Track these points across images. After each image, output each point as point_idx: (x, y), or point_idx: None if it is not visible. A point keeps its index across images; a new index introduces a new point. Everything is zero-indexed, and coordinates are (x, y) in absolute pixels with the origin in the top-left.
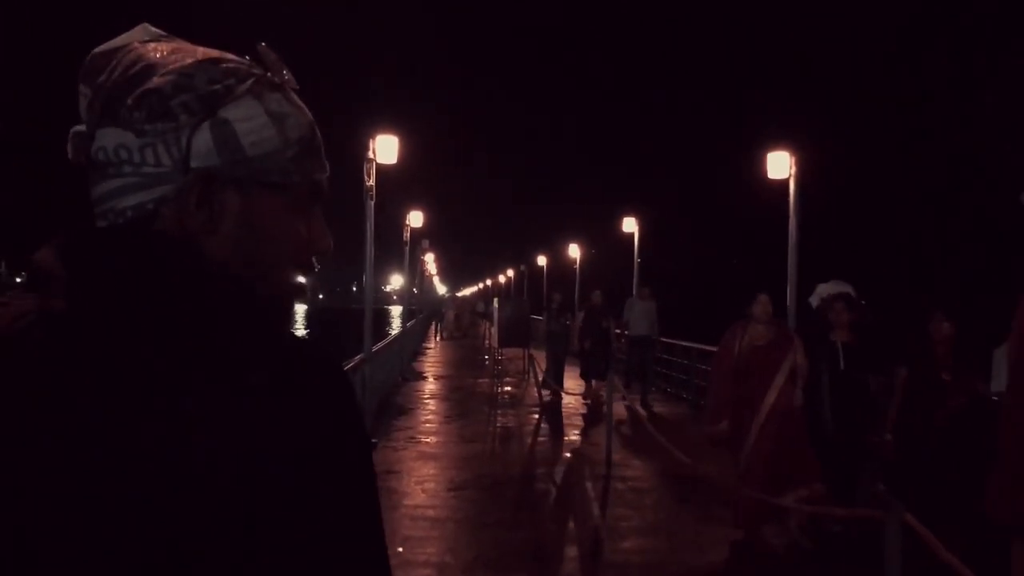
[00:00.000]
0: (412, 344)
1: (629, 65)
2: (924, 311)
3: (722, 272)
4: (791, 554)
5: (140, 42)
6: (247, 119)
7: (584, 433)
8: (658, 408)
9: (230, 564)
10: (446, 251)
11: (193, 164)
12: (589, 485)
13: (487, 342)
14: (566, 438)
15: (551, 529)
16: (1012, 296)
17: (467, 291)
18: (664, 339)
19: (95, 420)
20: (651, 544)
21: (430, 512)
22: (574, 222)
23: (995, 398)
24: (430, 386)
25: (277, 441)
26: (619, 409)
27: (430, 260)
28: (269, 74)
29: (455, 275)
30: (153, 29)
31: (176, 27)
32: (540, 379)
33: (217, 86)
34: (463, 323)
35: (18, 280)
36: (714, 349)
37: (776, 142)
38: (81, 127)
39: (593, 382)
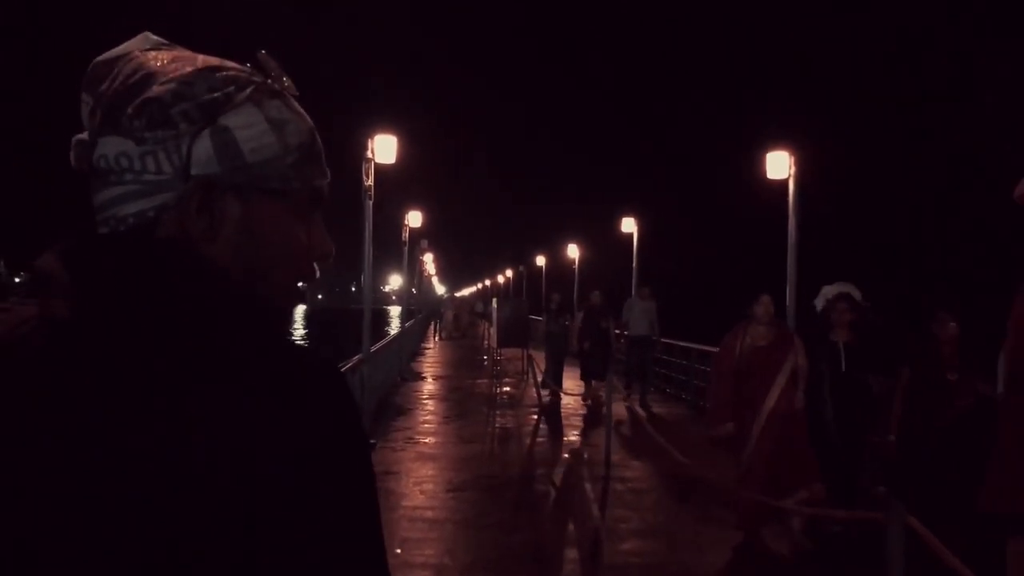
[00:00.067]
0: (411, 344)
1: (629, 65)
2: (926, 311)
3: (722, 272)
4: (792, 555)
5: (141, 50)
6: (247, 126)
7: (583, 434)
8: (657, 409)
9: (230, 564)
10: (445, 251)
11: (193, 171)
12: (588, 486)
13: (486, 342)
14: (565, 439)
15: (550, 530)
16: (1012, 296)
17: (466, 291)
18: (664, 339)
19: (95, 420)
20: (651, 545)
21: (428, 513)
22: (573, 222)
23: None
24: (429, 386)
25: (276, 442)
26: (618, 410)
27: (429, 260)
28: (269, 81)
29: (454, 275)
30: (154, 37)
31: (176, 27)
32: (539, 380)
33: (217, 94)
34: (462, 323)
35: (17, 280)
36: (714, 349)
37: (776, 142)
38: (83, 135)
39: (592, 383)
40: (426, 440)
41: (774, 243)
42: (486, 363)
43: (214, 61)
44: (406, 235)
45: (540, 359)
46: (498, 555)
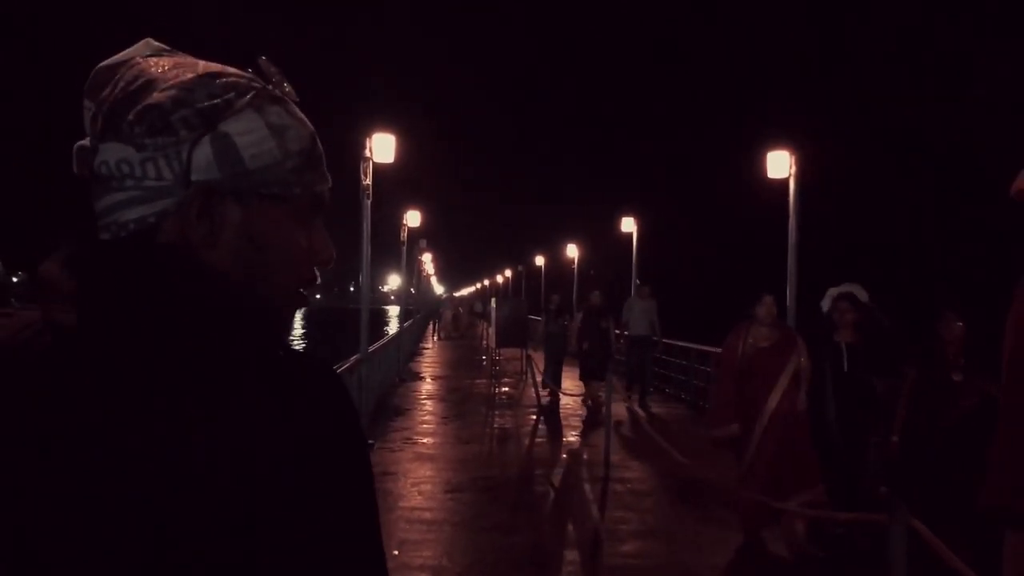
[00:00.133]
0: (409, 344)
1: (629, 64)
2: (931, 311)
3: (722, 272)
4: (793, 557)
5: (142, 57)
6: (247, 132)
7: (582, 434)
8: (657, 409)
9: (230, 564)
10: (444, 251)
11: (194, 178)
12: (587, 487)
13: (485, 342)
14: (564, 439)
15: (549, 532)
16: (1011, 296)
17: (465, 291)
18: (664, 339)
19: (95, 421)
20: (650, 546)
21: (427, 515)
22: (572, 222)
23: None
24: (427, 387)
25: (276, 442)
26: (618, 410)
27: (427, 260)
28: (270, 87)
29: (453, 275)
30: (155, 43)
31: (177, 26)
32: (538, 380)
33: (217, 100)
34: (461, 323)
35: (15, 280)
36: (713, 349)
37: (776, 142)
38: (85, 141)
39: (592, 383)
40: (424, 441)
41: (774, 243)
42: (485, 363)
43: (215, 67)
44: (404, 235)
45: (539, 359)
46: (497, 557)
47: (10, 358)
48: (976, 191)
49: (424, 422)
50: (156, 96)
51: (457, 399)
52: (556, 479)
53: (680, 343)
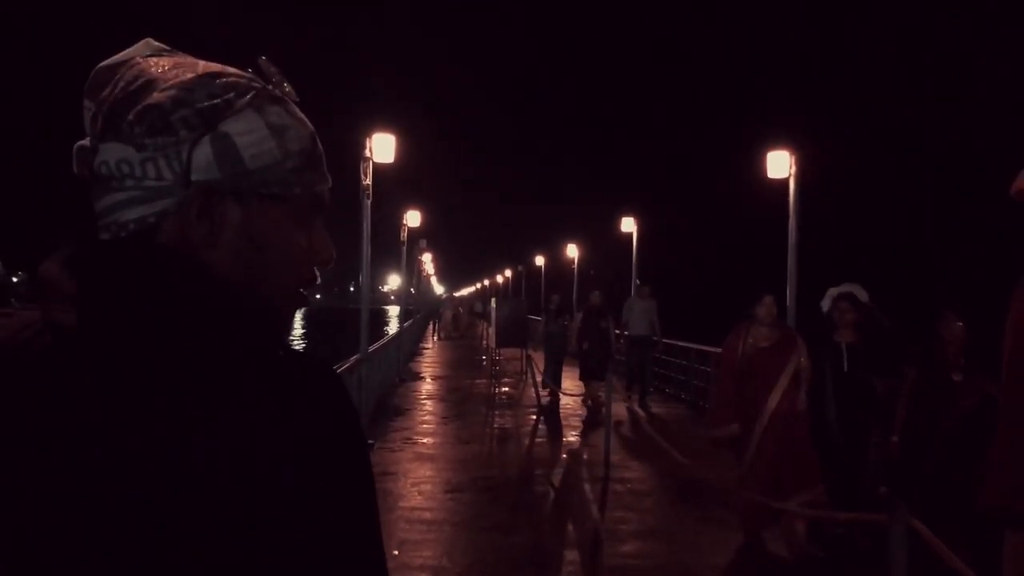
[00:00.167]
0: (409, 344)
1: (629, 64)
2: (930, 311)
3: (722, 272)
4: (793, 557)
5: (142, 57)
6: (247, 132)
7: (582, 434)
8: (656, 409)
9: (230, 564)
10: (444, 251)
11: (194, 178)
12: (587, 487)
13: (485, 342)
14: (564, 439)
15: (549, 532)
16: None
17: (465, 291)
18: (664, 339)
19: (95, 421)
20: (650, 547)
21: (426, 515)
22: (572, 222)
23: None
24: (427, 387)
25: (276, 442)
26: (618, 410)
27: (427, 260)
28: (270, 87)
29: (453, 275)
30: (155, 43)
31: (177, 26)
32: (538, 380)
33: (217, 100)
34: (461, 323)
35: (15, 280)
36: (713, 349)
37: (776, 142)
38: (85, 141)
39: (592, 383)
40: (424, 441)
41: (774, 243)
42: (485, 363)
43: (215, 67)
44: (404, 235)
45: (539, 359)
46: (496, 557)
47: (10, 358)
48: (976, 191)
49: (424, 422)
50: (156, 96)
51: (457, 399)
52: (556, 479)
53: (680, 343)
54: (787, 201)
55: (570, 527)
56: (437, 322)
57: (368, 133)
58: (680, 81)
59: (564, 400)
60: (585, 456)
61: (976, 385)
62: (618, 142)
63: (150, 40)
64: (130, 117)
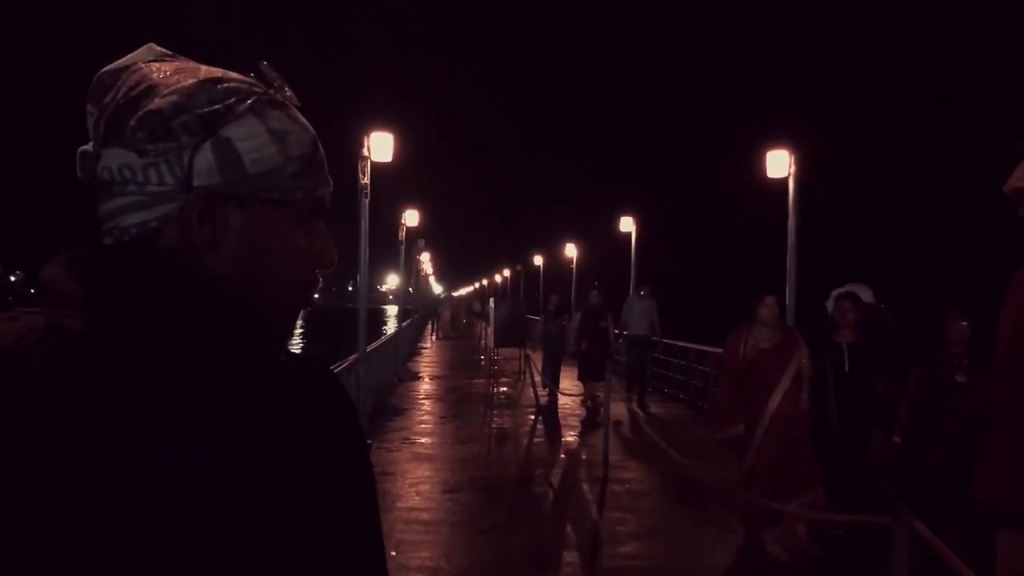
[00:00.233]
0: (407, 344)
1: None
2: (932, 311)
3: (722, 272)
4: (793, 558)
5: (144, 62)
6: (248, 137)
7: (581, 435)
8: (655, 409)
9: (230, 564)
10: (442, 250)
11: (195, 183)
12: (586, 487)
13: (483, 342)
14: (563, 440)
15: (548, 532)
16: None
17: (463, 291)
18: (664, 340)
19: (96, 421)
20: (649, 547)
21: (424, 515)
22: (571, 222)
23: None
24: (425, 386)
25: (276, 442)
26: (617, 410)
27: (426, 259)
28: (271, 92)
29: (451, 275)
30: (158, 48)
31: (177, 26)
32: (537, 380)
33: (218, 106)
34: (459, 323)
35: (12, 279)
36: (712, 349)
37: (776, 141)
38: (88, 146)
39: (590, 383)
40: (422, 441)
41: (774, 243)
42: (483, 363)
43: (216, 72)
44: (403, 234)
45: (537, 359)
46: (495, 558)
47: (14, 362)
48: (976, 191)
49: (422, 422)
50: (157, 102)
51: (455, 399)
52: (555, 479)
53: (680, 343)
54: (787, 201)
55: (569, 528)
56: (435, 322)
57: (366, 132)
58: (680, 81)
59: (563, 400)
60: (584, 456)
61: (981, 386)
62: (618, 142)
63: (152, 45)
64: (132, 123)
